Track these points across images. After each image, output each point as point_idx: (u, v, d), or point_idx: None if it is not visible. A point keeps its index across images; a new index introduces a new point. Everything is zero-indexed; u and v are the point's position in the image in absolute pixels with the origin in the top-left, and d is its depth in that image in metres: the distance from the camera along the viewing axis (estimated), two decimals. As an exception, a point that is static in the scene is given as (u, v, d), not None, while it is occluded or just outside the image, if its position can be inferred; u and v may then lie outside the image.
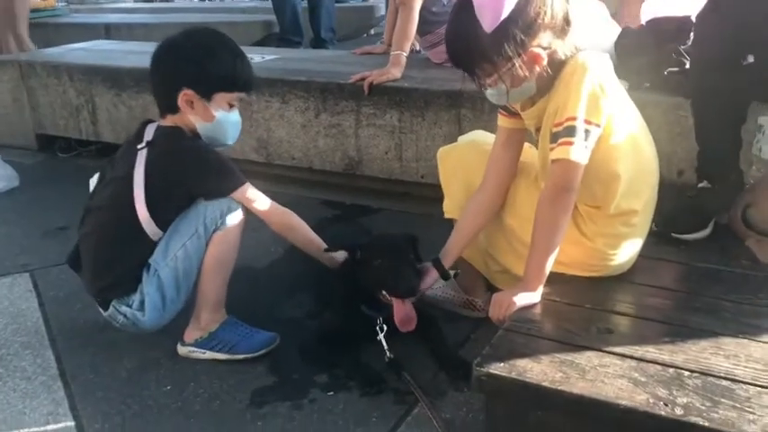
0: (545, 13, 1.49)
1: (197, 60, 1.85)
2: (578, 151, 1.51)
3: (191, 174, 1.84)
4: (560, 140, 1.52)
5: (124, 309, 1.88)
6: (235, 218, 1.87)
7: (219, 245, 1.87)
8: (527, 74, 1.55)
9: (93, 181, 2.04)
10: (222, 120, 1.89)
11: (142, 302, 1.86)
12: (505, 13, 1.47)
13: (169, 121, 1.90)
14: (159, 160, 1.84)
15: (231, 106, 1.91)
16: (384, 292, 1.84)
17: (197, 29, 1.96)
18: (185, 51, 1.87)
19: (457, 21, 1.58)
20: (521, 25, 1.48)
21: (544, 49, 1.53)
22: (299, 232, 2.00)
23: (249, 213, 1.93)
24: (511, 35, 1.49)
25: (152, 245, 1.86)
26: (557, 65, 1.57)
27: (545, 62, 1.54)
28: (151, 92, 1.96)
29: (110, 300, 1.90)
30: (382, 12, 5.70)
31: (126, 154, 1.91)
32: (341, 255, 1.99)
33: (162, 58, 1.89)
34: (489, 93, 1.64)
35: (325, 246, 1.99)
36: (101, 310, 1.94)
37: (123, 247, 1.87)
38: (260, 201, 1.92)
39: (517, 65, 1.52)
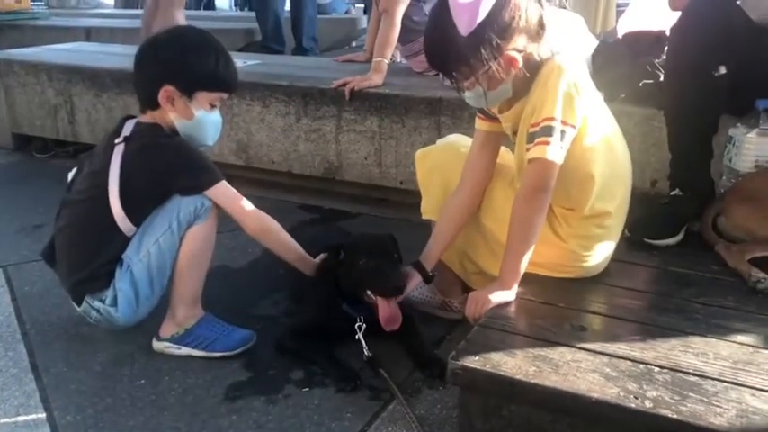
0: (519, 17, 1.53)
1: (180, 57, 1.85)
2: (554, 151, 1.54)
3: (165, 168, 1.84)
4: (537, 140, 1.56)
5: (97, 304, 1.87)
6: (209, 214, 1.86)
7: (194, 241, 1.86)
8: (503, 76, 1.59)
9: (71, 175, 2.03)
10: (202, 119, 1.89)
11: (115, 298, 1.85)
12: (481, 17, 1.51)
13: (149, 117, 1.90)
14: (135, 155, 1.84)
15: (212, 106, 1.91)
16: (369, 292, 1.85)
17: (183, 27, 1.97)
18: (169, 48, 1.87)
19: (434, 25, 1.62)
20: (496, 29, 1.52)
21: (519, 52, 1.57)
22: (276, 237, 1.97)
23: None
24: (487, 39, 1.52)
25: (126, 240, 1.86)
26: (533, 67, 1.61)
27: (521, 65, 1.58)
28: (133, 85, 1.96)
29: (83, 294, 1.88)
30: (364, 24, 5.75)
31: (104, 149, 1.91)
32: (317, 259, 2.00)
33: (146, 53, 1.89)
34: (467, 96, 1.67)
35: (302, 251, 1.99)
36: (74, 305, 1.93)
37: (97, 241, 1.87)
38: (236, 201, 1.90)
39: (493, 68, 1.55)
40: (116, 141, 1.87)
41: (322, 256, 1.99)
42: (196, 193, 1.85)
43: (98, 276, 1.86)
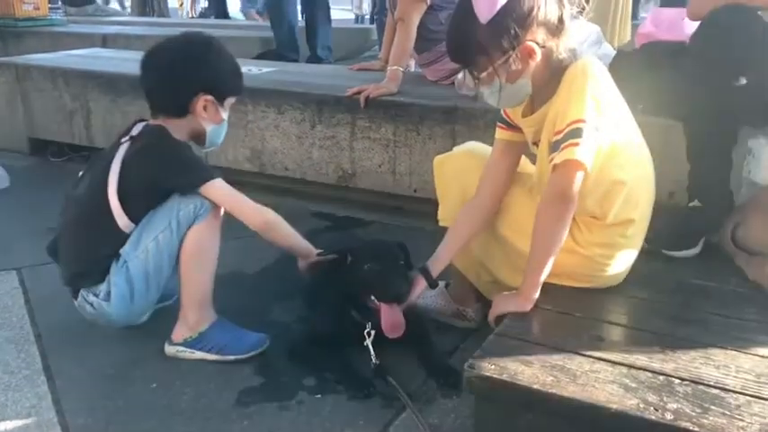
0: (539, 8, 1.53)
1: (216, 66, 1.92)
2: (584, 152, 1.51)
3: (160, 167, 1.85)
4: (565, 143, 1.52)
5: (91, 298, 1.88)
6: (210, 213, 1.85)
7: (195, 240, 1.86)
8: (521, 70, 1.58)
9: (80, 175, 2.05)
10: (226, 121, 1.98)
11: (109, 293, 1.86)
12: (500, 5, 1.51)
13: (161, 122, 1.92)
14: (135, 153, 1.87)
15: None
16: (372, 297, 1.84)
17: (195, 35, 2.00)
18: (204, 57, 1.91)
19: (457, 15, 1.64)
20: (515, 17, 1.52)
21: (538, 44, 1.56)
22: (279, 230, 1.96)
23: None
24: (505, 27, 1.53)
25: (123, 236, 1.86)
26: (556, 69, 1.61)
27: (539, 58, 1.57)
28: (154, 95, 1.94)
29: (79, 288, 1.90)
30: (376, 35, 5.76)
31: (111, 148, 1.94)
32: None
33: (176, 62, 1.89)
34: (486, 93, 1.67)
35: (307, 244, 1.99)
36: (73, 300, 1.94)
37: (95, 236, 1.88)
38: (232, 197, 1.89)
39: (511, 58, 1.56)
40: (123, 140, 1.91)
41: (321, 255, 1.98)
42: (191, 190, 1.84)
43: (94, 271, 1.87)
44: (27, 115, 3.91)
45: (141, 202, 1.86)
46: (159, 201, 1.85)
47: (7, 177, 3.41)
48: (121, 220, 1.85)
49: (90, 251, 1.88)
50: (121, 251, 1.85)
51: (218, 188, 1.87)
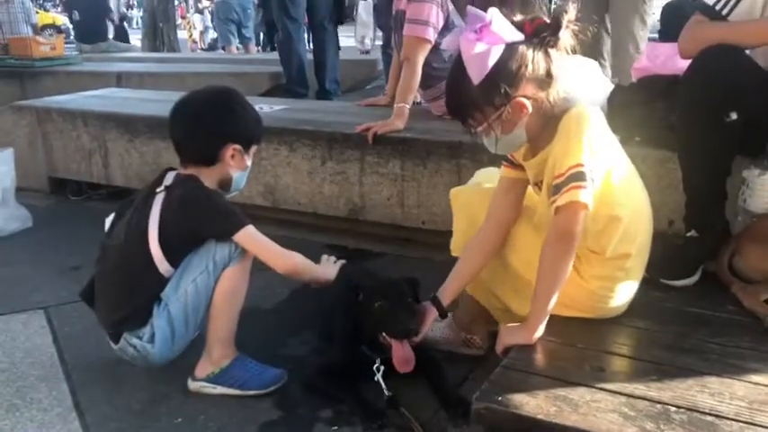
0: (526, 66, 1.63)
1: (241, 117, 2.06)
2: (587, 194, 1.60)
3: (198, 216, 1.96)
4: (567, 187, 1.61)
5: (135, 341, 1.97)
6: (243, 256, 1.98)
7: (228, 281, 1.97)
8: (514, 122, 1.69)
9: (109, 220, 2.15)
10: (249, 167, 2.12)
11: (152, 335, 1.96)
12: (490, 64, 1.61)
13: (192, 171, 2.04)
14: (173, 203, 1.98)
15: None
16: (383, 334, 1.93)
17: (218, 88, 2.15)
18: (228, 110, 2.05)
19: (451, 76, 1.74)
20: (504, 77, 1.63)
21: (529, 99, 1.66)
22: (304, 272, 2.11)
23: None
24: (496, 86, 1.63)
25: (163, 280, 1.97)
26: (549, 115, 1.70)
27: (530, 111, 1.67)
28: (185, 146, 2.07)
29: (121, 332, 1.99)
30: (381, 66, 5.89)
31: (145, 197, 2.04)
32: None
33: (205, 115, 2.03)
34: (486, 141, 1.77)
35: (326, 277, 2.14)
36: (111, 343, 2.03)
37: (136, 282, 1.98)
38: (261, 244, 2.01)
39: (504, 114, 1.66)
40: (158, 190, 2.02)
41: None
42: (225, 238, 1.96)
43: (137, 315, 1.97)
44: (47, 155, 4.05)
45: (180, 248, 1.97)
46: (197, 245, 1.97)
47: (30, 217, 3.54)
48: (162, 266, 1.95)
49: (132, 296, 1.98)
50: (162, 295, 1.96)
51: (249, 235, 1.98)
